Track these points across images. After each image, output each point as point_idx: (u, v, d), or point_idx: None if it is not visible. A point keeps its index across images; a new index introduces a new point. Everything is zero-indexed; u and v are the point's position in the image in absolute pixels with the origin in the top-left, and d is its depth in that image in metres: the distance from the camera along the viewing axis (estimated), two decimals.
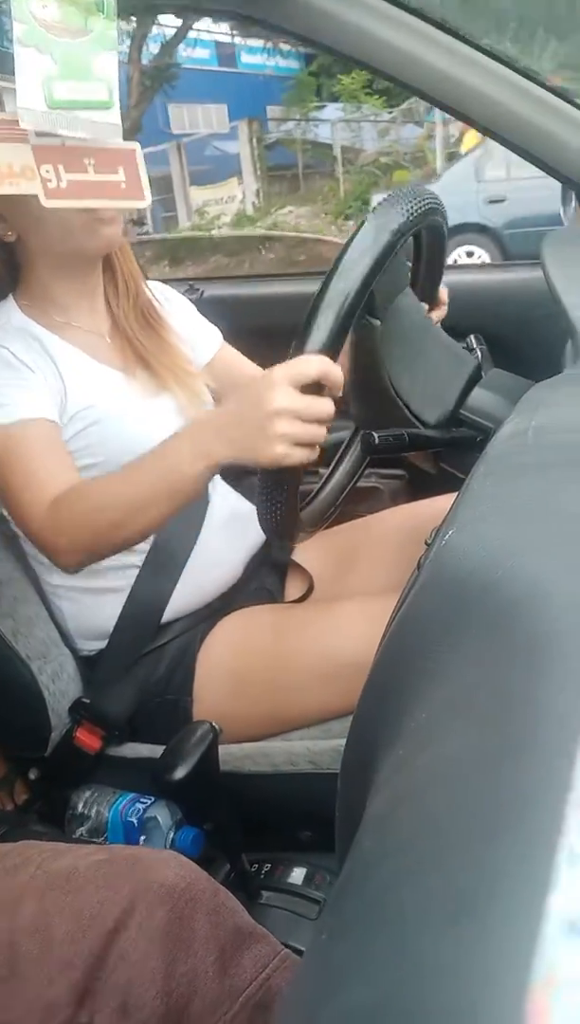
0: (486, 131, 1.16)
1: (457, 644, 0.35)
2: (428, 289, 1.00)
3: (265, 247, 10.18)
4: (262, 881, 0.98)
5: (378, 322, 0.82)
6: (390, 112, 14.08)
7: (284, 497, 0.79)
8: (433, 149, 12.04)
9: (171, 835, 1.00)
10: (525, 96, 1.12)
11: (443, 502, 1.09)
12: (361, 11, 1.09)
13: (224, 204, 13.31)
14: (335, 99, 14.90)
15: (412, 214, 0.77)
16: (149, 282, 1.19)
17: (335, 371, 0.74)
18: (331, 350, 0.73)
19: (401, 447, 0.84)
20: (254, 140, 13.33)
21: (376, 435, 0.80)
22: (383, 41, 1.09)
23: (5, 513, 1.06)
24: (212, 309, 1.31)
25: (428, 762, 0.31)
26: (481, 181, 7.23)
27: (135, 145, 0.77)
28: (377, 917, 0.24)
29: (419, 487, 1.48)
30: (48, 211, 0.93)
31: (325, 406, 0.75)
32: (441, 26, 1.09)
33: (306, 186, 14.01)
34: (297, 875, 0.98)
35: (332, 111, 14.74)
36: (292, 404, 0.74)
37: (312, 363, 0.73)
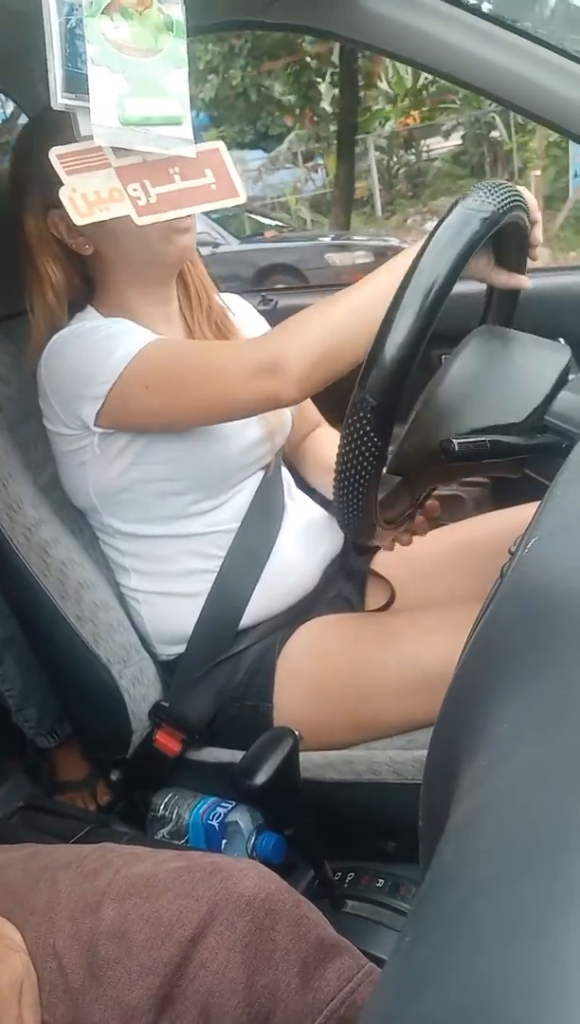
0: (562, 131, 1.14)
1: (539, 653, 0.35)
2: (507, 308, 0.98)
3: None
4: (346, 890, 0.97)
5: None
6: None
7: (362, 496, 0.79)
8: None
9: (252, 840, 1.00)
10: None
11: (528, 510, 1.07)
12: (430, 17, 1.09)
13: None
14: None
15: (501, 205, 0.76)
16: (222, 295, 1.21)
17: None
18: (412, 350, 0.72)
19: (482, 454, 0.82)
20: None
21: (456, 442, 0.79)
22: (451, 45, 1.08)
23: (101, 523, 1.09)
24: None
25: (509, 772, 0.30)
26: None
27: (218, 144, 0.79)
28: (456, 926, 0.24)
29: (503, 495, 1.46)
30: (124, 223, 0.96)
31: None
32: (511, 28, 1.08)
33: None
34: (383, 885, 0.98)
35: None
36: None
37: None
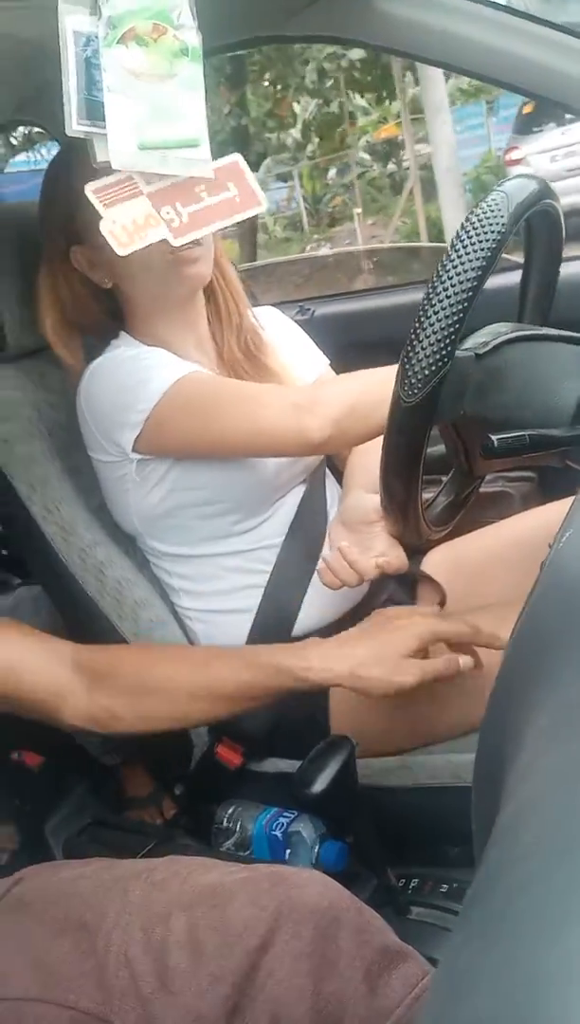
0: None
1: (574, 647, 0.34)
2: (544, 285, 0.97)
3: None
4: (411, 896, 0.97)
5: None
6: None
7: (408, 502, 0.79)
8: None
9: (316, 849, 1.00)
10: None
11: None
12: (451, 15, 1.08)
13: None
14: None
15: (533, 193, 0.76)
16: (257, 308, 1.21)
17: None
18: (449, 339, 0.72)
19: (522, 449, 0.81)
20: None
21: (494, 438, 0.78)
22: (475, 42, 1.08)
23: (148, 546, 1.11)
24: (325, 327, 1.33)
25: (549, 768, 0.30)
26: None
27: (236, 157, 0.80)
28: (499, 926, 0.24)
29: (551, 488, 1.44)
30: (132, 258, 0.98)
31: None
32: (535, 19, 1.07)
33: None
34: (447, 891, 0.96)
35: None
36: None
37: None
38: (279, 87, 10.88)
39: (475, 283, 0.71)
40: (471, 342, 0.79)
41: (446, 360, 0.73)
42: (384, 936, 0.68)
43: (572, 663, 0.33)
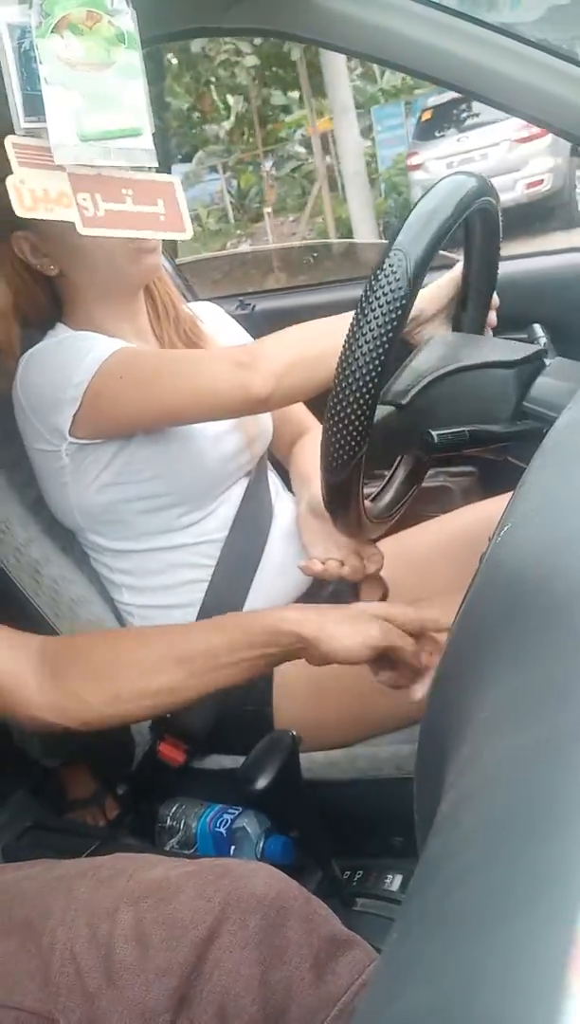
0: (506, 108, 1.15)
1: (516, 640, 0.35)
2: (483, 287, 0.98)
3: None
4: (356, 888, 0.97)
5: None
6: None
7: (350, 498, 0.79)
8: None
9: (261, 844, 1.00)
10: (543, 69, 1.10)
11: None
12: (389, 13, 1.09)
13: None
14: None
15: (472, 191, 0.76)
16: (195, 303, 1.22)
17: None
18: (365, 414, 0.73)
19: (463, 444, 0.82)
20: None
21: (435, 434, 0.79)
22: (412, 40, 1.09)
23: (89, 541, 1.09)
24: (265, 322, 1.33)
25: (489, 760, 0.30)
26: None
27: (174, 178, 0.79)
28: (436, 919, 0.24)
29: (491, 483, 1.46)
30: (91, 243, 0.96)
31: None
32: (472, 19, 1.09)
33: None
34: (392, 881, 0.98)
35: None
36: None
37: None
38: (200, 83, 10.94)
39: (381, 357, 0.72)
40: (391, 393, 0.80)
41: (364, 435, 0.74)
42: (331, 925, 0.69)
43: (511, 657, 0.34)
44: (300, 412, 1.28)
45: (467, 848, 0.26)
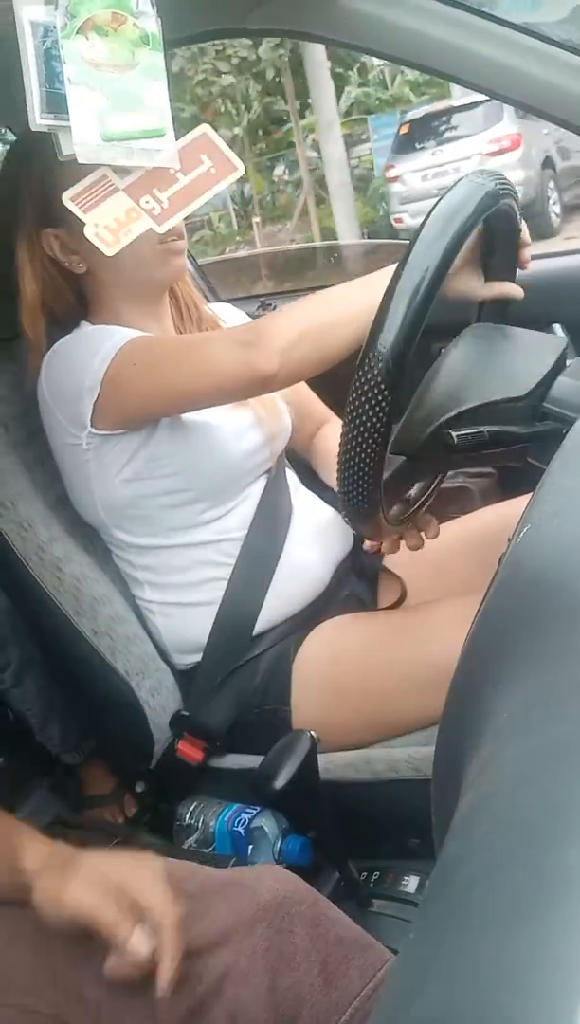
0: (531, 109, 1.14)
1: (535, 641, 0.35)
2: (505, 226, 0.97)
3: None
4: (372, 889, 0.97)
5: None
6: None
7: (367, 483, 0.79)
8: None
9: (278, 844, 1.00)
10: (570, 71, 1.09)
11: None
12: (412, 13, 1.09)
13: None
14: None
15: (488, 195, 0.76)
16: (215, 304, 1.23)
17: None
18: (404, 345, 0.72)
19: (482, 445, 0.82)
20: None
21: (455, 434, 0.79)
22: (436, 40, 1.08)
23: (112, 537, 1.10)
24: None
25: (508, 762, 0.30)
26: None
27: (205, 128, 0.80)
28: (455, 920, 0.24)
29: (510, 484, 1.45)
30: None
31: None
32: (496, 19, 1.08)
33: None
34: (408, 883, 0.97)
35: None
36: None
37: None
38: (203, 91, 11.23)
39: (444, 263, 0.72)
40: (398, 443, 0.82)
41: (413, 338, 0.73)
42: (340, 927, 0.68)
43: (530, 657, 0.34)
44: (318, 405, 1.28)
45: (486, 850, 0.26)
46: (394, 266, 0.90)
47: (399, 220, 8.63)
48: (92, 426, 1.01)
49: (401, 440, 0.88)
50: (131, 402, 1.00)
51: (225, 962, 0.64)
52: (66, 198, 0.73)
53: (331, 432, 1.29)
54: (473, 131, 7.98)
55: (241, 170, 0.79)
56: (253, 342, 0.93)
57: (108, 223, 0.76)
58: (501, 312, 0.98)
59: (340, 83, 10.73)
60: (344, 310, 0.92)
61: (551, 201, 8.17)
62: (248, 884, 0.68)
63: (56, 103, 0.73)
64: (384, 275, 0.90)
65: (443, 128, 8.41)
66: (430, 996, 0.22)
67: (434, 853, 0.47)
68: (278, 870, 0.71)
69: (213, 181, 0.78)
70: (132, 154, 0.75)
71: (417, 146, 8.56)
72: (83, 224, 0.75)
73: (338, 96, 10.28)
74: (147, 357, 0.99)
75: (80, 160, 0.73)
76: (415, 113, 8.97)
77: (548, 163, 8.19)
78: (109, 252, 0.75)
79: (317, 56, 8.86)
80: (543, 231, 7.57)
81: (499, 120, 7.73)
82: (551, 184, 8.21)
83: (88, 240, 1.00)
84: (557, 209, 8.26)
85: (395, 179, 8.70)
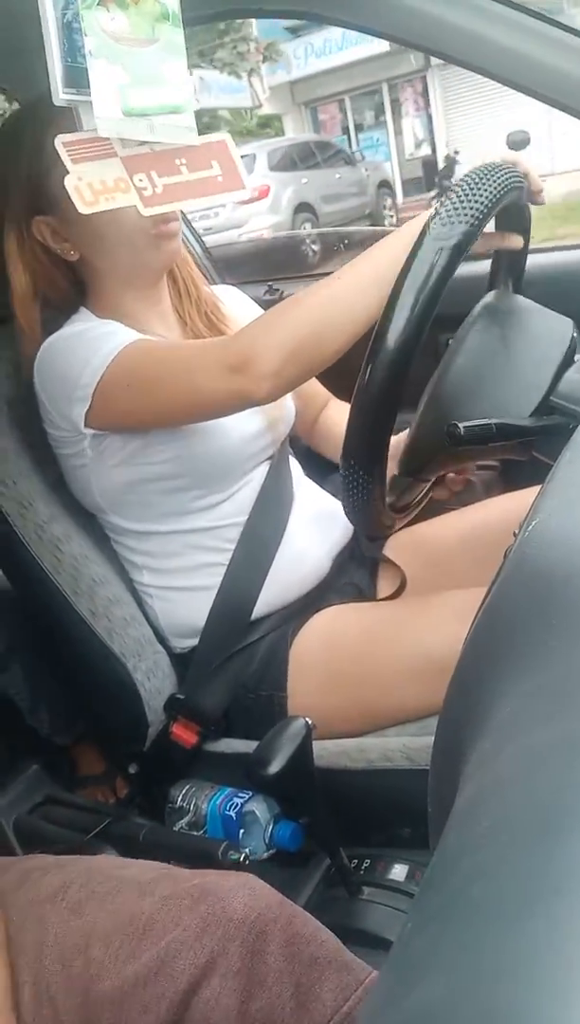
0: (557, 104, 1.12)
1: (541, 635, 0.34)
2: (514, 274, 0.97)
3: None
4: (363, 877, 0.98)
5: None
6: None
7: (370, 486, 0.79)
8: None
9: (269, 829, 1.01)
10: None
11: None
12: (444, 4, 1.07)
13: None
14: None
15: (492, 196, 0.75)
16: (216, 286, 1.22)
17: None
18: (413, 337, 0.72)
19: (489, 437, 0.81)
20: None
21: (461, 426, 0.78)
22: (455, 27, 1.07)
23: (109, 522, 1.10)
24: None
25: (512, 755, 0.30)
26: None
27: (224, 135, 0.78)
28: (453, 912, 0.24)
29: (514, 478, 1.45)
30: (110, 228, 0.94)
31: None
32: (519, 7, 1.07)
33: None
34: (399, 871, 0.98)
35: None
36: None
37: None
38: None
39: (442, 279, 0.72)
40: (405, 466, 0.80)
41: (411, 352, 0.73)
42: (315, 946, 0.67)
43: (534, 652, 0.33)
44: (319, 388, 1.27)
45: (487, 842, 0.26)
46: (378, 253, 0.89)
47: None
48: (85, 428, 1.01)
49: (412, 451, 0.88)
50: (122, 416, 0.99)
51: (197, 983, 0.62)
52: (59, 141, 0.70)
53: (334, 414, 1.28)
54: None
55: (247, 192, 0.78)
56: (241, 368, 0.89)
57: (92, 182, 0.72)
58: (516, 279, 0.97)
59: None
60: (334, 314, 0.89)
61: (308, 241, 9.04)
62: (221, 895, 0.66)
63: (77, 77, 0.71)
64: (373, 264, 0.89)
65: None
66: (429, 986, 0.22)
67: (426, 843, 0.47)
68: (253, 882, 0.69)
69: (216, 189, 0.76)
70: (154, 130, 0.74)
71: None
72: (66, 172, 0.71)
73: None
74: (138, 377, 0.96)
75: (101, 134, 0.71)
76: None
77: (304, 207, 10.36)
78: (84, 210, 0.71)
79: None
80: (299, 266, 8.10)
81: (250, 172, 8.67)
82: (307, 225, 9.96)
83: (78, 225, 0.99)
84: (315, 247, 9.01)
85: None
